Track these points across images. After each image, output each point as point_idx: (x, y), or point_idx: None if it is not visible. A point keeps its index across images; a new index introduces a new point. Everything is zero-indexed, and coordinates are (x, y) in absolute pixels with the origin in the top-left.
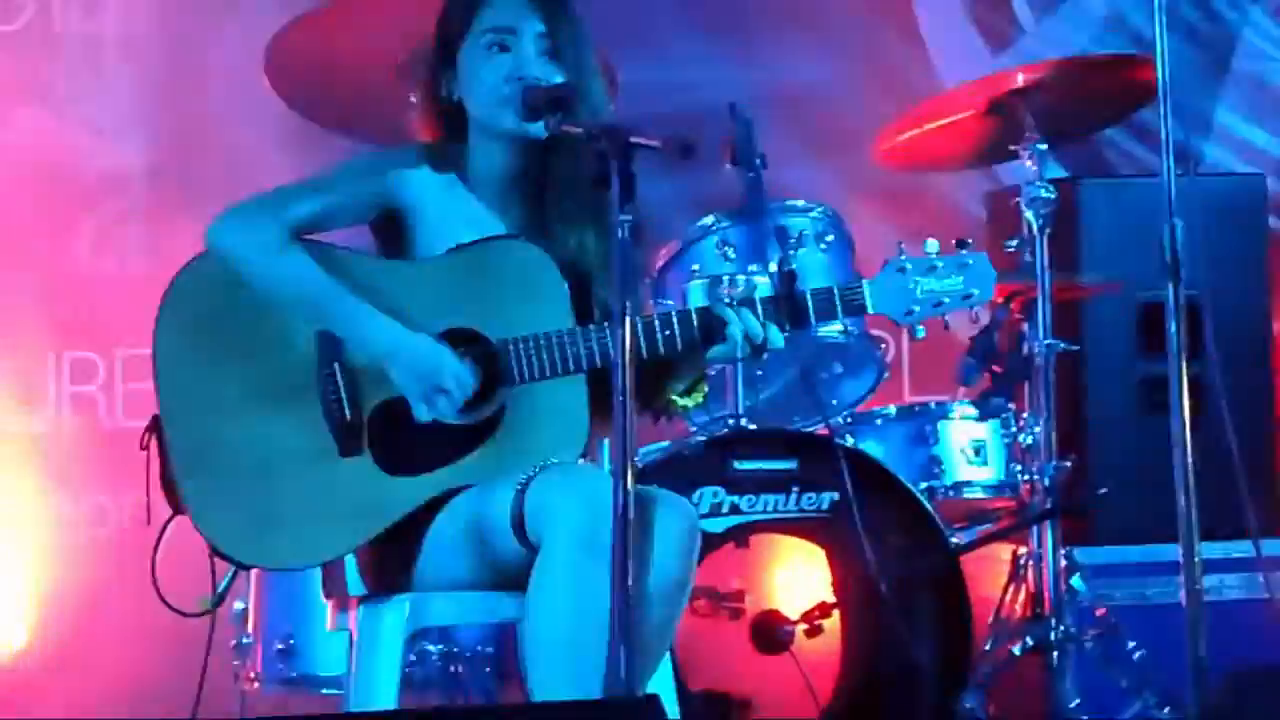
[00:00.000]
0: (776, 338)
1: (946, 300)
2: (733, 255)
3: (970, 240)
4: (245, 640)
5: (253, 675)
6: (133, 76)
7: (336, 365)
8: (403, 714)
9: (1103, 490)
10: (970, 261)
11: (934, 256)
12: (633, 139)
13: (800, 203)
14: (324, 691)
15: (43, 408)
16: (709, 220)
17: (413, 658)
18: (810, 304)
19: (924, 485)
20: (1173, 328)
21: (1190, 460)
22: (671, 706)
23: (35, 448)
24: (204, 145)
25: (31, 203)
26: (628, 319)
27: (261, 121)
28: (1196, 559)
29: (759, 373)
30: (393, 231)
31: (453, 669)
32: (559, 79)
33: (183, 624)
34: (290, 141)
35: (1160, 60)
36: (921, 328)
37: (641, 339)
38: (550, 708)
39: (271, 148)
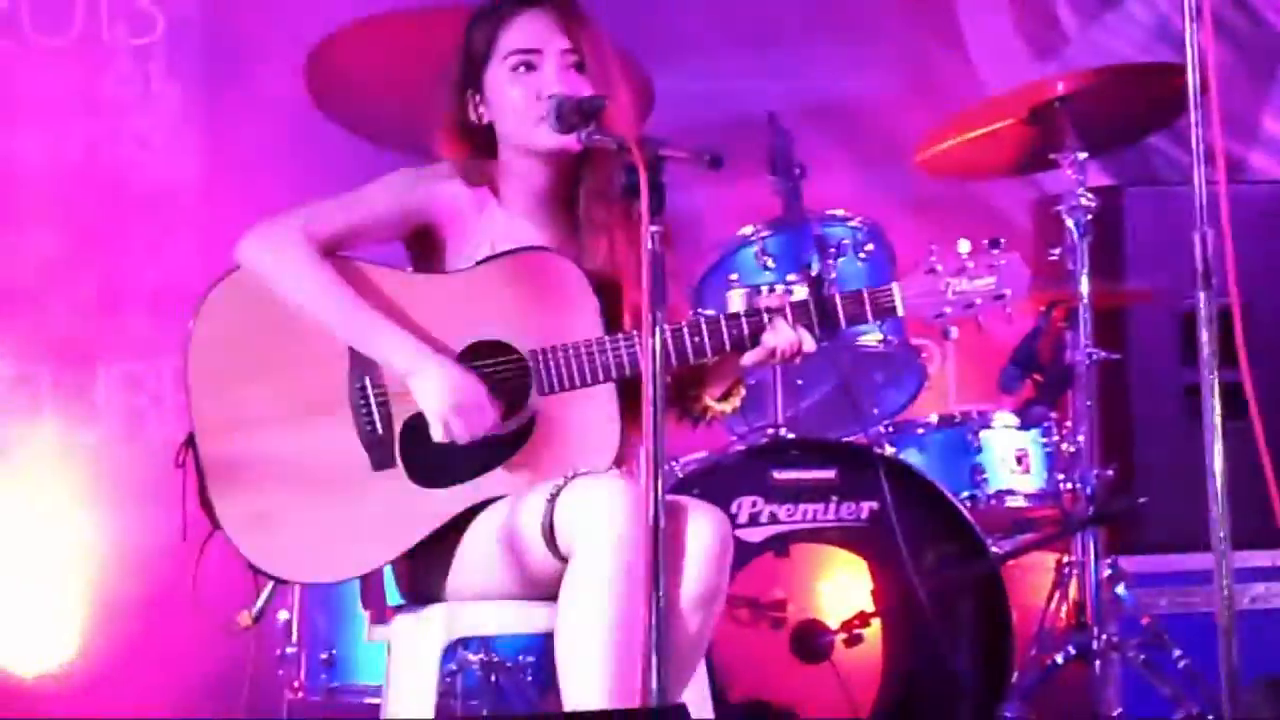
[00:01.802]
0: (808, 342)
1: (978, 301)
2: (772, 264)
3: (1002, 240)
4: (290, 650)
5: (297, 685)
6: (181, 89)
7: (367, 379)
8: None
9: (1142, 499)
10: (1002, 262)
11: (965, 257)
12: (662, 150)
13: (840, 212)
14: (366, 700)
15: (92, 420)
16: (748, 230)
17: (453, 667)
18: (840, 307)
19: (966, 494)
20: (1204, 335)
21: (1222, 468)
22: (707, 716)
23: (85, 460)
24: (252, 158)
25: (81, 215)
26: (657, 328)
27: (308, 135)
28: (1226, 567)
29: (799, 382)
30: (425, 246)
31: (493, 679)
32: (587, 92)
33: (238, 635)
34: (339, 155)
35: (1191, 65)
36: (954, 328)
37: (671, 347)
38: (577, 717)
39: (319, 162)
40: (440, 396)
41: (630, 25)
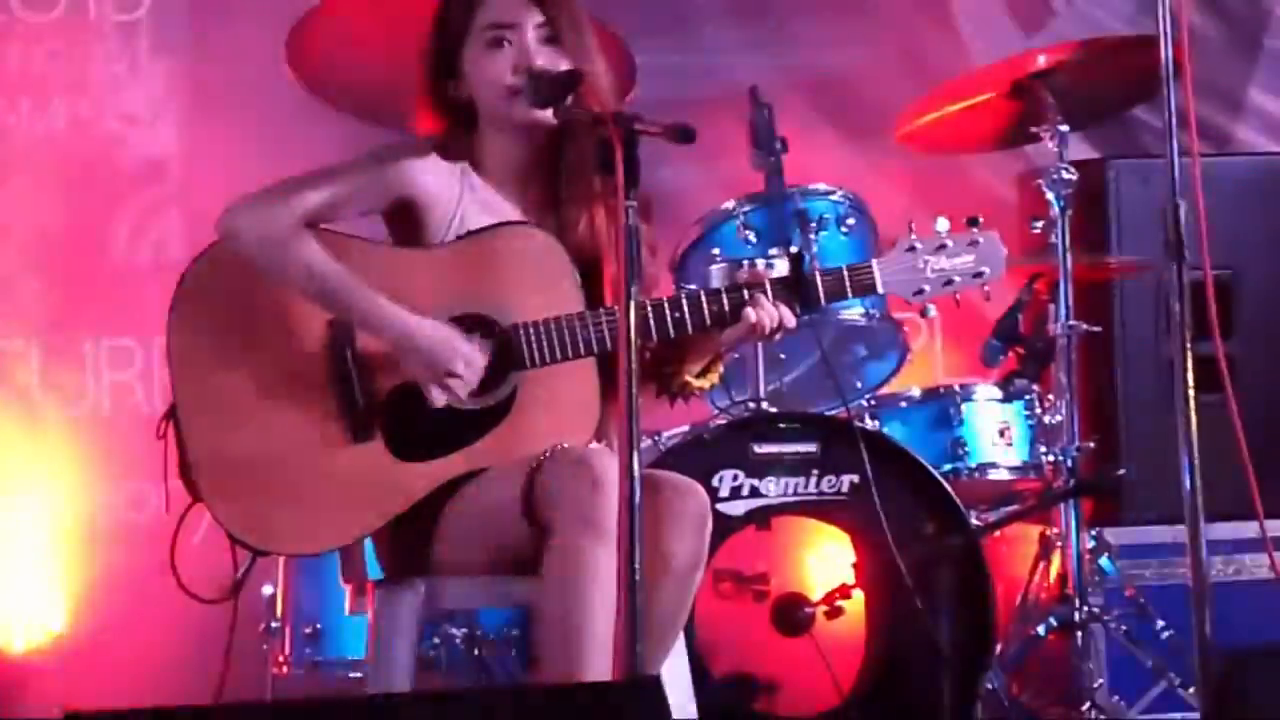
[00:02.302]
0: (789, 318)
1: (957, 279)
2: (754, 239)
3: (980, 218)
4: (274, 625)
5: (281, 659)
6: (167, 65)
7: (348, 353)
8: (405, 695)
9: (1122, 471)
10: (981, 240)
11: (944, 235)
12: (636, 124)
13: (822, 186)
14: (351, 675)
15: (81, 395)
16: (730, 204)
17: (436, 641)
18: (820, 283)
19: (948, 467)
20: (1176, 307)
21: (1195, 439)
22: (686, 689)
23: (73, 434)
24: (238, 133)
25: (68, 191)
26: (632, 302)
27: (293, 110)
28: (1201, 539)
29: (781, 356)
30: (405, 220)
31: (476, 653)
32: (564, 65)
33: (215, 609)
34: (322, 130)
35: (1163, 36)
36: (932, 306)
37: (652, 321)
38: (550, 689)
39: (302, 136)
40: (433, 360)
41: (611, 1)
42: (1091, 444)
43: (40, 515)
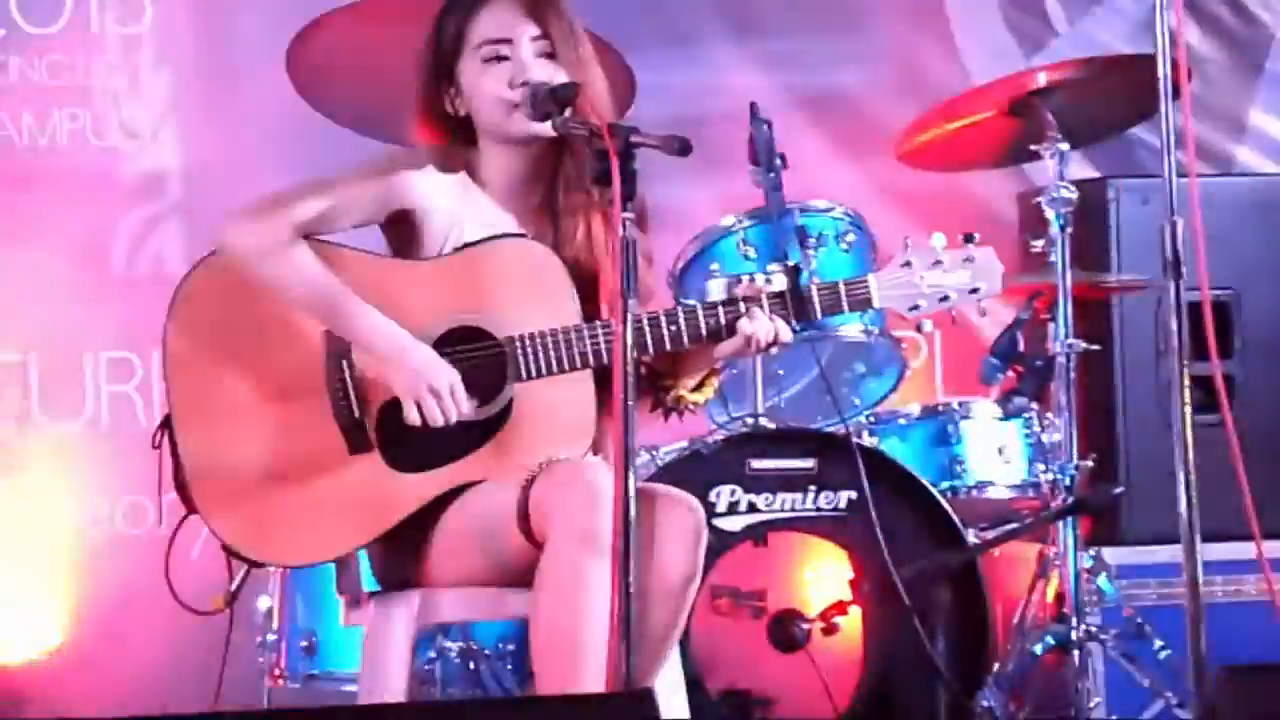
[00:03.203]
0: (785, 332)
1: (953, 294)
2: (753, 255)
3: (977, 235)
4: (270, 637)
5: (277, 672)
6: (169, 78)
7: (344, 364)
8: (398, 707)
9: (1119, 490)
10: (977, 256)
11: (940, 251)
12: (633, 137)
13: (821, 203)
14: (347, 688)
15: (79, 408)
16: (729, 220)
17: (432, 654)
18: (816, 297)
19: (946, 485)
20: (1173, 325)
21: (1191, 459)
22: (681, 704)
23: (72, 447)
24: (239, 147)
25: (69, 203)
26: (629, 315)
27: (294, 124)
28: (1197, 557)
29: (779, 372)
30: (403, 231)
31: (472, 666)
32: (560, 78)
33: (212, 622)
34: (323, 144)
35: (1161, 56)
36: (928, 322)
37: (648, 334)
38: (544, 701)
39: (304, 151)
40: (413, 380)
41: (613, 18)
42: (1090, 463)
43: (37, 527)
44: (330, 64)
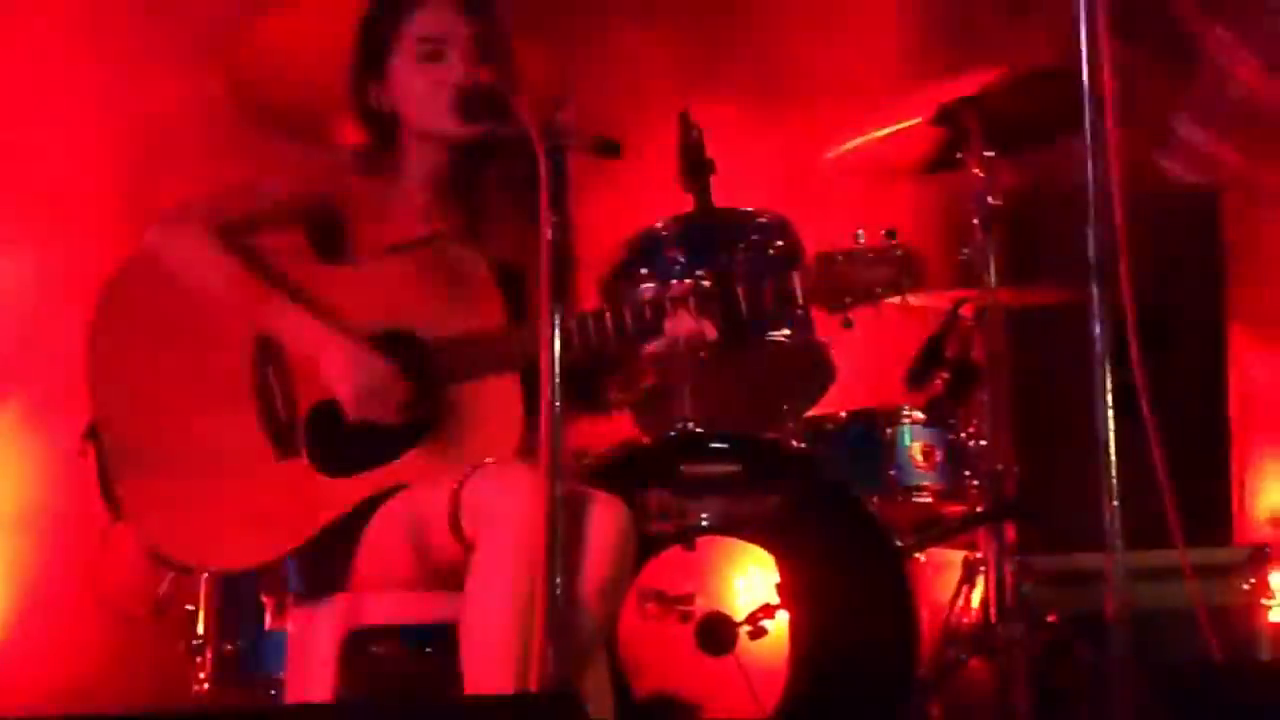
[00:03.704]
0: (710, 331)
1: (878, 290)
2: (682, 259)
3: (896, 230)
4: (195, 642)
5: (203, 677)
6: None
7: (271, 368)
8: (324, 707)
9: (1041, 496)
10: (899, 252)
11: (862, 246)
12: (562, 139)
13: (749, 209)
14: (274, 692)
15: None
16: (658, 225)
17: (358, 657)
18: (742, 295)
19: (872, 489)
20: (1096, 330)
21: (1115, 465)
22: (608, 707)
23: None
24: (159, 150)
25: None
26: (555, 318)
27: (214, 126)
28: (1118, 566)
29: (709, 378)
30: (328, 234)
31: (399, 670)
32: (493, 79)
33: (142, 627)
34: (244, 146)
35: (1086, 64)
36: (850, 318)
37: (575, 336)
38: (470, 702)
39: (227, 153)
40: (352, 375)
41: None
42: (1015, 469)
43: None
44: (258, 67)
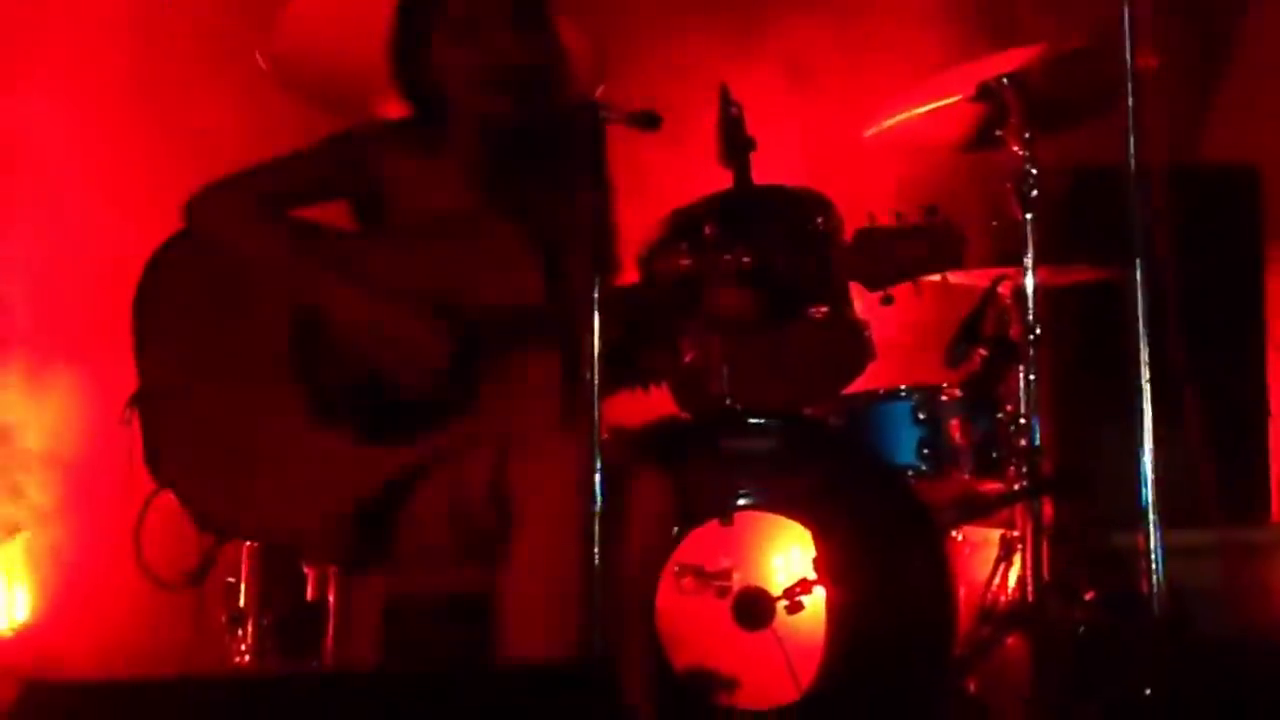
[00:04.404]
0: (749, 307)
1: (915, 267)
2: (721, 236)
3: (937, 207)
4: (236, 614)
5: (244, 648)
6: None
7: (314, 338)
8: (367, 672)
9: (1083, 473)
10: (938, 229)
11: (902, 224)
12: (602, 113)
13: (788, 186)
14: (315, 663)
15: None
16: (698, 201)
17: (399, 626)
18: (781, 274)
19: (910, 467)
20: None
21: (1151, 444)
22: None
23: (38, 423)
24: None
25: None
26: (598, 291)
27: (249, 100)
28: (1157, 542)
29: (747, 353)
30: (370, 206)
31: (440, 637)
32: (533, 55)
33: (182, 597)
34: (278, 120)
35: (1129, 44)
36: (890, 295)
37: (615, 310)
38: (505, 669)
39: (260, 126)
40: (396, 344)
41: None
42: (1055, 446)
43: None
44: (301, 46)
